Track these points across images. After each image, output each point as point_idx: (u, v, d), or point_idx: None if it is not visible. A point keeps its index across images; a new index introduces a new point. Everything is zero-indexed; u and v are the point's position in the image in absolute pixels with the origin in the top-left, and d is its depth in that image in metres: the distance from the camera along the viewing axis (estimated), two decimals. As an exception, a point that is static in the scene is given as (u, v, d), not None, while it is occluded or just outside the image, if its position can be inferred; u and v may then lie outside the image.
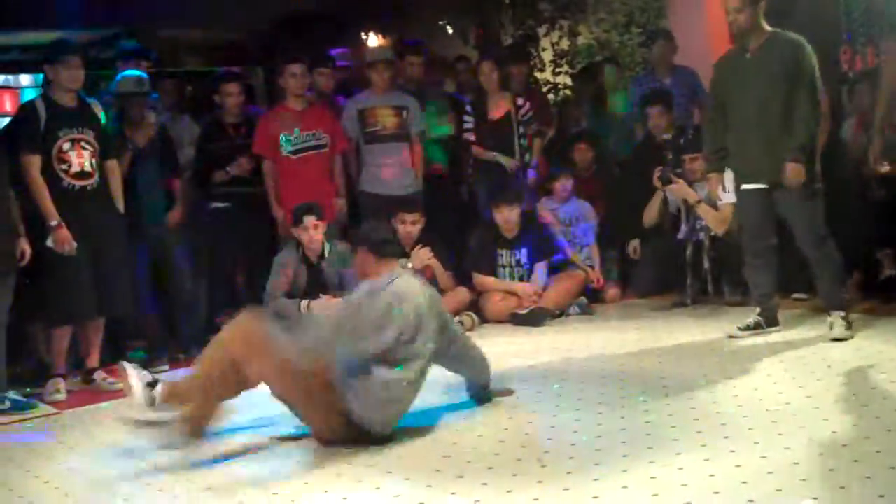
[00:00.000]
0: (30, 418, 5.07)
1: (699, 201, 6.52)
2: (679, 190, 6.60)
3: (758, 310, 5.59)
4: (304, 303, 5.99)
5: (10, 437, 4.75)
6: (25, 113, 5.51)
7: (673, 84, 7.54)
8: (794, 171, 5.20)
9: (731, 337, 5.53)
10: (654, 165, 6.78)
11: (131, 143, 6.00)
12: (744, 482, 3.26)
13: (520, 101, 7.37)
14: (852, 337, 5.23)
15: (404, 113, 7.06)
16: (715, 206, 6.47)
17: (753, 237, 5.57)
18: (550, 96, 9.43)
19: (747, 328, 5.54)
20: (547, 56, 9.81)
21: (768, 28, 5.37)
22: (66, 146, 5.42)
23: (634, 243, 7.13)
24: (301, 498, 3.52)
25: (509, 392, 4.59)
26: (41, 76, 5.76)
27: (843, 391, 4.28)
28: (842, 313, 5.32)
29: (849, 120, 6.84)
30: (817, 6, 7.08)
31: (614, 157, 7.96)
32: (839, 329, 5.26)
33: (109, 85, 6.53)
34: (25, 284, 5.31)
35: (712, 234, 6.54)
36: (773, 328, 5.56)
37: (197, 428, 3.99)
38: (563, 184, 7.22)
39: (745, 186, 5.53)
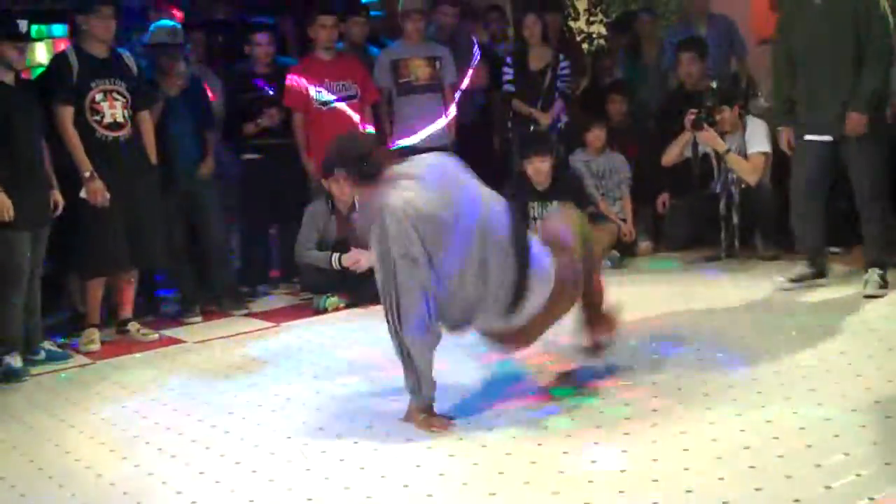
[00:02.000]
0: (65, 368, 5.14)
1: (727, 151, 6.42)
2: (709, 137, 6.47)
3: (805, 262, 5.52)
4: (335, 255, 5.99)
5: (45, 387, 4.81)
6: (58, 64, 5.51)
7: (709, 33, 7.40)
8: (854, 122, 5.11)
9: (780, 289, 5.47)
10: (684, 116, 6.65)
11: (163, 94, 5.98)
12: (775, 437, 3.25)
13: (561, 57, 7.33)
14: (885, 294, 5.16)
15: (437, 63, 7.01)
16: (745, 157, 6.38)
17: (807, 190, 5.45)
18: (584, 46, 9.31)
19: (796, 279, 5.48)
20: (581, 5, 9.67)
21: None
22: (99, 97, 5.42)
23: (663, 197, 7.05)
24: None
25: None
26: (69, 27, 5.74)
27: (878, 347, 4.24)
28: (879, 270, 5.24)
29: None
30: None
31: (649, 108, 7.86)
32: (873, 286, 5.20)
33: (142, 35, 6.52)
34: (59, 236, 5.35)
35: (743, 186, 6.44)
36: (821, 279, 5.51)
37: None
38: (596, 134, 7.14)
39: (809, 137, 5.38)
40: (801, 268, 5.54)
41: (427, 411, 3.67)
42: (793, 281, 5.50)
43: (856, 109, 5.10)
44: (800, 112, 5.44)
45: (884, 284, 5.21)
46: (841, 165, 5.37)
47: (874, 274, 5.24)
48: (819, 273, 5.53)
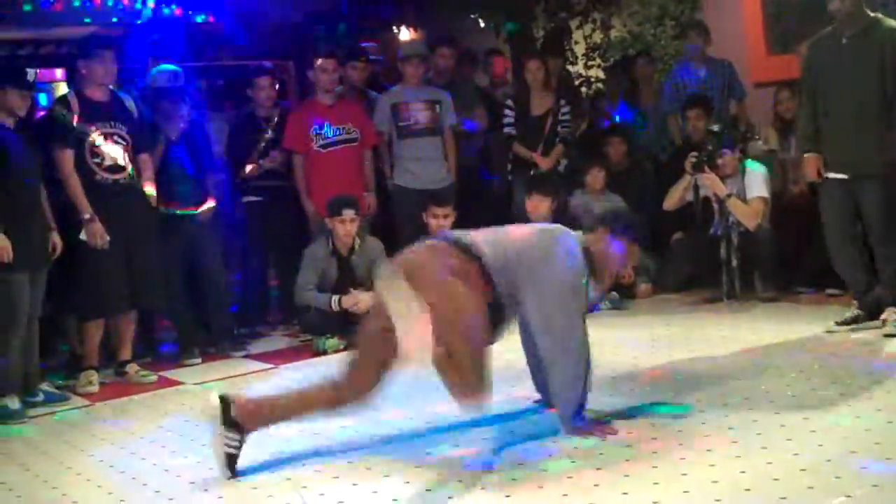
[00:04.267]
0: (63, 410, 5.13)
1: (729, 195, 6.45)
2: (709, 180, 6.51)
3: (856, 303, 5.42)
4: (335, 297, 5.99)
5: (43, 430, 4.79)
6: (58, 107, 5.56)
7: (707, 77, 7.48)
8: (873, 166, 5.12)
9: (828, 332, 5.34)
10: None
11: (164, 137, 6.02)
12: (775, 479, 3.23)
13: (562, 102, 7.40)
14: None
15: (437, 107, 7.06)
16: (744, 201, 6.41)
17: (835, 229, 5.41)
18: (583, 90, 9.38)
19: (846, 322, 5.36)
20: (579, 49, 9.75)
21: (869, 13, 5.21)
22: (99, 140, 5.46)
23: (677, 235, 7.05)
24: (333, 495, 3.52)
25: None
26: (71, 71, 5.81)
27: (878, 388, 4.22)
28: None
29: None
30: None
31: (647, 151, 7.91)
32: (892, 325, 5.14)
33: (142, 79, 6.57)
34: (58, 277, 5.35)
35: (742, 229, 6.46)
36: (874, 322, 5.31)
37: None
38: (595, 175, 7.18)
39: (828, 175, 5.36)
40: (852, 310, 5.41)
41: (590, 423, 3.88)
42: (840, 324, 5.36)
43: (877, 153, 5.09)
44: (823, 150, 5.40)
45: None
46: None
47: (892, 313, 5.17)
48: (871, 314, 5.33)
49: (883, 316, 5.22)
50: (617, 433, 3.79)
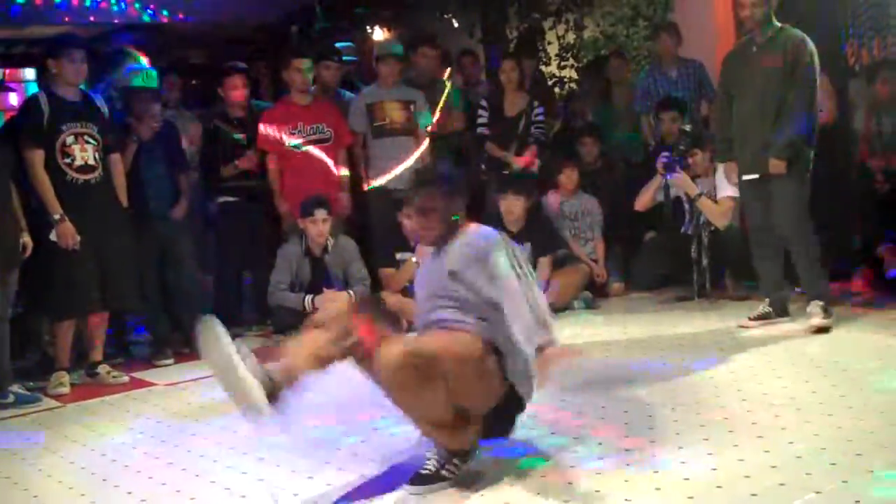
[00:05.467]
0: (34, 412, 5.08)
1: (699, 195, 6.50)
2: (680, 181, 6.56)
3: (767, 300, 5.61)
4: (308, 297, 5.98)
5: (14, 431, 4.75)
6: (28, 107, 5.51)
7: (679, 77, 7.52)
8: (775, 167, 5.35)
9: (741, 326, 5.58)
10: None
11: (136, 137, 5.99)
12: (746, 476, 3.25)
13: (536, 103, 7.43)
14: (831, 326, 5.28)
15: (412, 107, 7.06)
16: (715, 201, 6.46)
17: (757, 228, 5.65)
18: (556, 90, 9.41)
19: (757, 318, 5.58)
20: (552, 49, 9.79)
21: (777, 23, 5.45)
22: (70, 140, 5.42)
23: (650, 235, 7.11)
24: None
25: None
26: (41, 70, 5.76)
27: (848, 387, 4.26)
28: (820, 302, 5.35)
29: (858, 111, 6.81)
30: (822, 1, 7.06)
31: (620, 151, 7.94)
32: (817, 318, 5.31)
33: (113, 78, 6.53)
34: (29, 278, 5.31)
35: (712, 228, 6.51)
36: (784, 318, 5.60)
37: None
38: (568, 175, 7.20)
39: (744, 177, 5.63)
40: (763, 306, 5.63)
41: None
42: (753, 319, 5.60)
43: (775, 156, 5.34)
44: (735, 152, 5.67)
45: (828, 315, 5.32)
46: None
47: (816, 306, 5.35)
48: (780, 311, 5.63)
49: (808, 309, 5.39)
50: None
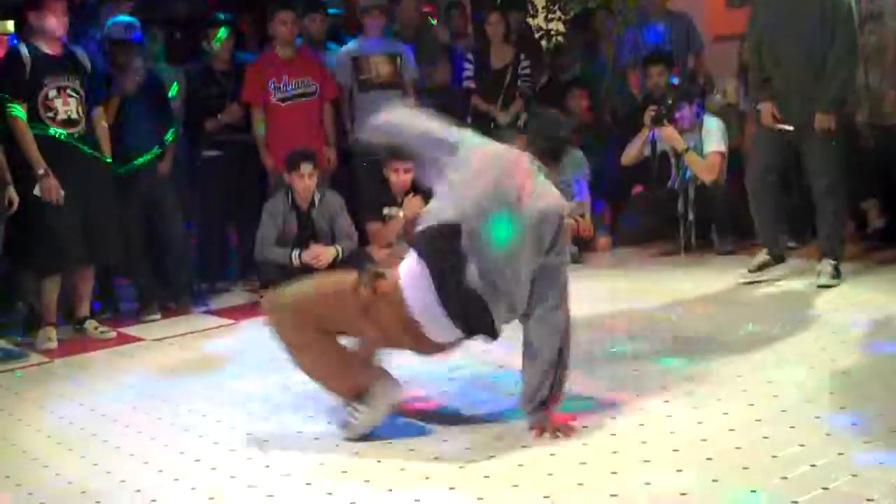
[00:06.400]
0: (21, 367, 5.08)
1: (687, 149, 6.49)
2: (668, 134, 6.55)
3: (765, 250, 5.61)
4: (295, 252, 5.97)
5: (1, 386, 4.75)
6: (10, 61, 5.43)
7: (667, 30, 7.47)
8: (823, 122, 5.26)
9: (742, 280, 5.57)
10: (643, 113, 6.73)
11: (119, 90, 5.93)
12: (731, 430, 3.29)
13: (522, 56, 7.37)
14: (838, 284, 5.29)
15: (398, 60, 7.00)
16: (702, 155, 6.46)
17: (761, 171, 5.57)
18: (543, 43, 9.34)
19: (757, 268, 5.57)
20: (540, 2, 9.70)
21: None
22: (52, 94, 5.35)
23: (637, 188, 7.10)
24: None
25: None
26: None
27: (831, 339, 4.30)
28: (833, 261, 5.35)
29: None
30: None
31: (607, 104, 7.92)
32: (826, 277, 5.32)
33: (97, 31, 6.45)
34: (14, 233, 5.28)
35: (699, 183, 6.52)
36: (780, 265, 5.62)
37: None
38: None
39: (780, 126, 5.48)
40: (760, 256, 5.62)
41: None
42: (753, 271, 5.58)
43: (822, 110, 5.24)
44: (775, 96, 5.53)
45: (836, 275, 5.33)
46: (798, 157, 5.48)
47: (827, 265, 5.35)
48: (778, 258, 5.61)
49: (819, 266, 5.39)
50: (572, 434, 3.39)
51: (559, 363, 3.40)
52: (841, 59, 5.25)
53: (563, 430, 3.39)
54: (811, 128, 5.31)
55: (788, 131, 5.41)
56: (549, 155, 3.62)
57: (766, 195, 5.59)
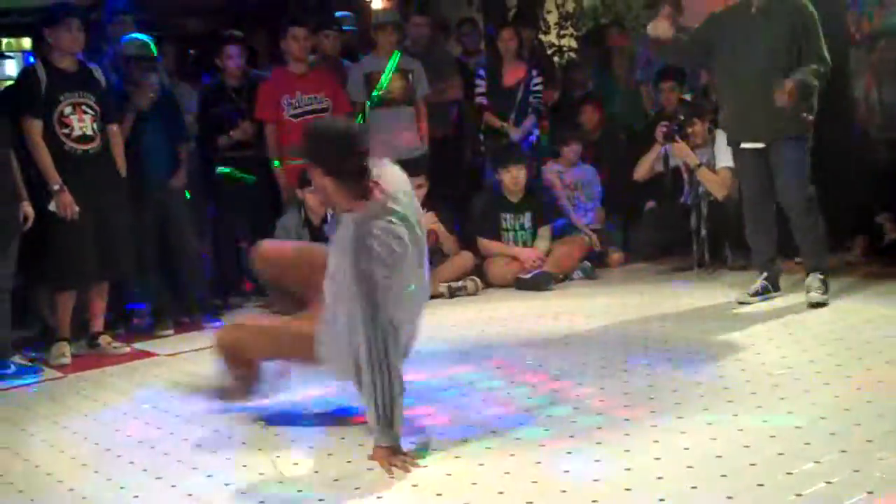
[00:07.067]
0: (35, 382, 5.09)
1: (699, 165, 6.50)
2: (680, 150, 6.55)
3: (764, 274, 5.57)
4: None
5: (15, 402, 4.77)
6: (26, 77, 5.48)
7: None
8: (786, 88, 5.01)
9: (740, 303, 5.51)
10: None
11: (134, 107, 5.96)
12: (746, 446, 3.27)
13: (534, 73, 7.40)
14: (827, 301, 5.26)
15: (410, 76, 7.03)
16: (714, 171, 6.46)
17: (752, 200, 5.56)
18: (555, 59, 9.37)
19: (756, 293, 5.52)
20: (552, 18, 9.73)
21: None
22: (68, 110, 5.39)
23: (650, 204, 7.11)
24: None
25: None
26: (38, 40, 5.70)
27: (845, 356, 4.28)
28: (820, 275, 5.34)
29: (860, 80, 6.77)
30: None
31: (620, 120, 7.93)
32: (815, 293, 5.29)
33: (111, 48, 6.49)
34: (29, 249, 5.30)
35: (711, 199, 6.52)
36: (777, 293, 5.57)
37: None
38: (573, 148, 7.21)
39: (744, 145, 5.49)
40: (759, 281, 5.57)
41: (396, 447, 3.38)
42: (752, 295, 5.53)
43: (792, 81, 5.02)
44: (730, 121, 5.57)
45: (825, 290, 5.30)
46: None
47: (815, 280, 5.32)
48: (774, 286, 5.58)
49: (807, 281, 5.37)
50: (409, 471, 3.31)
51: (372, 393, 3.34)
52: (819, 73, 5.16)
53: (398, 465, 3.31)
54: (779, 142, 5.28)
55: (759, 149, 5.38)
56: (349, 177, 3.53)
57: (758, 224, 5.56)
